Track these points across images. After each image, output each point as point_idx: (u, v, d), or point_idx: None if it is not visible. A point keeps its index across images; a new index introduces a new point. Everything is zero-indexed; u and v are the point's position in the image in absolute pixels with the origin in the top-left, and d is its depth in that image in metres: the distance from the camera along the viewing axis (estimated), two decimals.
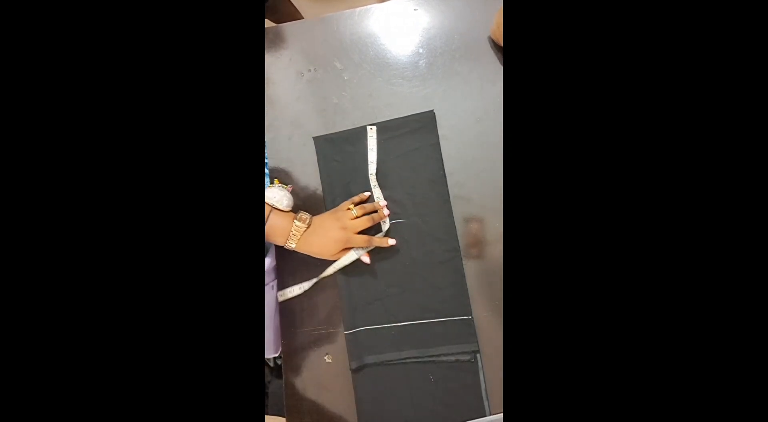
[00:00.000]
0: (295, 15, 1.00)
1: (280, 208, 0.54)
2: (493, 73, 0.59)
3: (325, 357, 0.58)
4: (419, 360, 0.56)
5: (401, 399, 0.55)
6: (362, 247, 0.56)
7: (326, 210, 0.60)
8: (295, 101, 0.64)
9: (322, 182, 0.61)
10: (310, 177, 0.62)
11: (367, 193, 0.59)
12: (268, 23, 0.97)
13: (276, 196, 0.55)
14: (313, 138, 0.62)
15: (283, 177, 0.63)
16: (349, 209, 0.56)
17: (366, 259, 0.57)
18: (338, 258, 0.57)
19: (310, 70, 0.64)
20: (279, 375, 0.76)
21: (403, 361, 0.56)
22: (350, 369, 0.56)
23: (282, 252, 0.59)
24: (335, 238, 0.54)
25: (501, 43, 0.58)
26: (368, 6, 0.64)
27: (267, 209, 0.54)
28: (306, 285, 0.59)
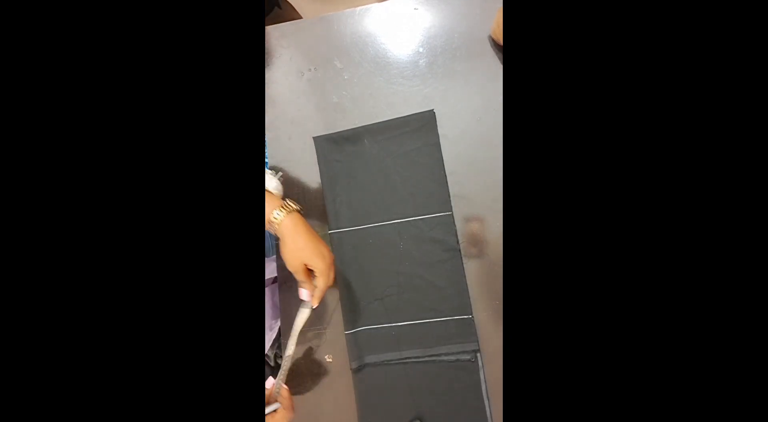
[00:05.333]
0: (293, 16, 0.99)
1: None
2: (494, 72, 0.59)
3: (326, 357, 0.58)
4: (419, 359, 0.55)
5: (401, 400, 0.55)
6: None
7: (327, 210, 0.60)
8: (296, 100, 0.64)
9: (322, 182, 0.61)
10: (311, 176, 0.62)
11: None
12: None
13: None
14: (314, 138, 0.62)
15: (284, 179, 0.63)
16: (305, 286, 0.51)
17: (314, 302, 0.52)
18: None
19: (310, 70, 0.64)
20: None
21: (404, 361, 0.56)
22: (350, 369, 0.56)
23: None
24: (297, 257, 0.50)
25: (501, 42, 0.58)
26: (368, 5, 0.64)
27: None
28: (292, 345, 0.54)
